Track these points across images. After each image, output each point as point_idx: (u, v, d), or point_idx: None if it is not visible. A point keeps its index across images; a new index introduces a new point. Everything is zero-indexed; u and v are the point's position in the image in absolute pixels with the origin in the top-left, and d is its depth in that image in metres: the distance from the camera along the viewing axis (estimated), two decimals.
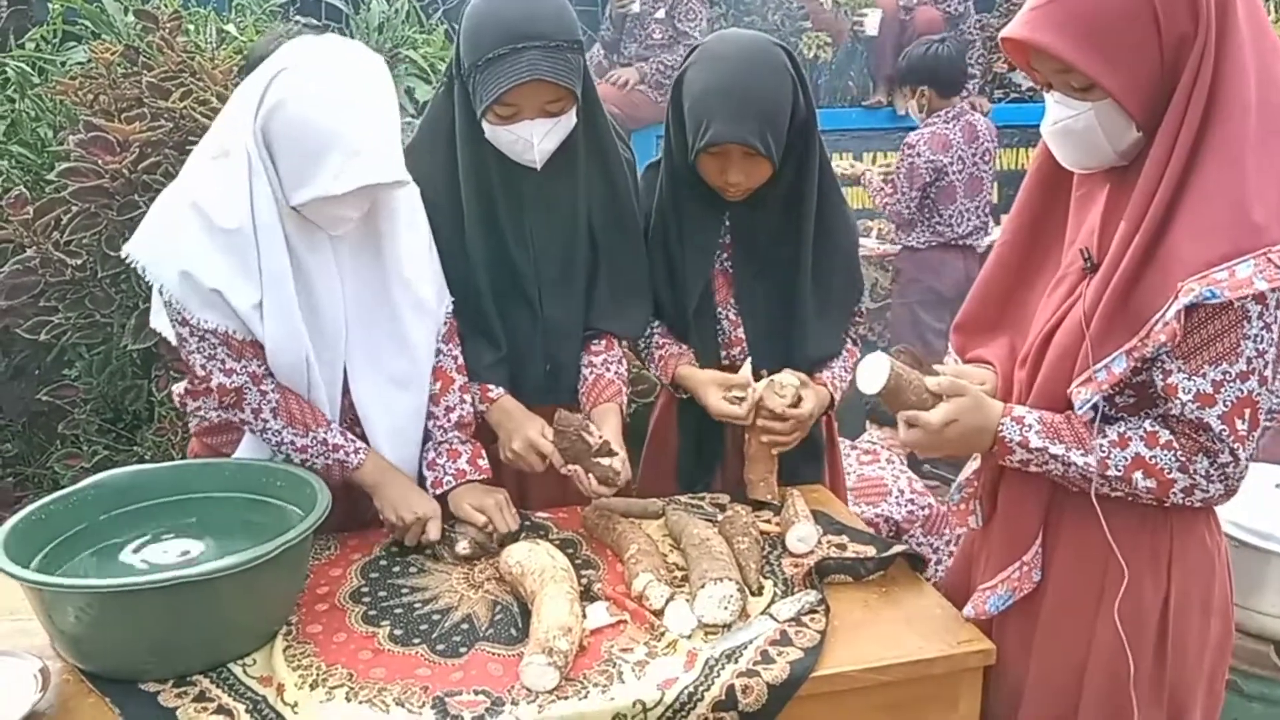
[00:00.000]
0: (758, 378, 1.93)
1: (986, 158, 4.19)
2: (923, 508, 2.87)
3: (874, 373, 1.51)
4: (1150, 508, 1.43)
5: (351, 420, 1.80)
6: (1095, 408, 1.40)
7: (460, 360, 1.90)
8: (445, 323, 1.88)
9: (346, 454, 1.74)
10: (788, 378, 1.90)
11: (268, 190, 1.62)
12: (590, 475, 1.79)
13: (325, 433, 1.73)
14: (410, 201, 1.80)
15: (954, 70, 4.19)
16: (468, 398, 1.89)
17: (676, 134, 1.92)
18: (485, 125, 1.81)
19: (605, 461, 1.79)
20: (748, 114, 1.79)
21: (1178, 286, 1.30)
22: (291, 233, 1.65)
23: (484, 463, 1.87)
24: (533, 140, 1.80)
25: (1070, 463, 1.42)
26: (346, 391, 1.78)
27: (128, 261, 1.66)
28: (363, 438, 1.79)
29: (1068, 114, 1.40)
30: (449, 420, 1.87)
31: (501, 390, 1.92)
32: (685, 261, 1.99)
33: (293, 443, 1.71)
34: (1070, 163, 1.47)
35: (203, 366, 1.68)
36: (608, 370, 1.97)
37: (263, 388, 1.70)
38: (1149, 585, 1.45)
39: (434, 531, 1.76)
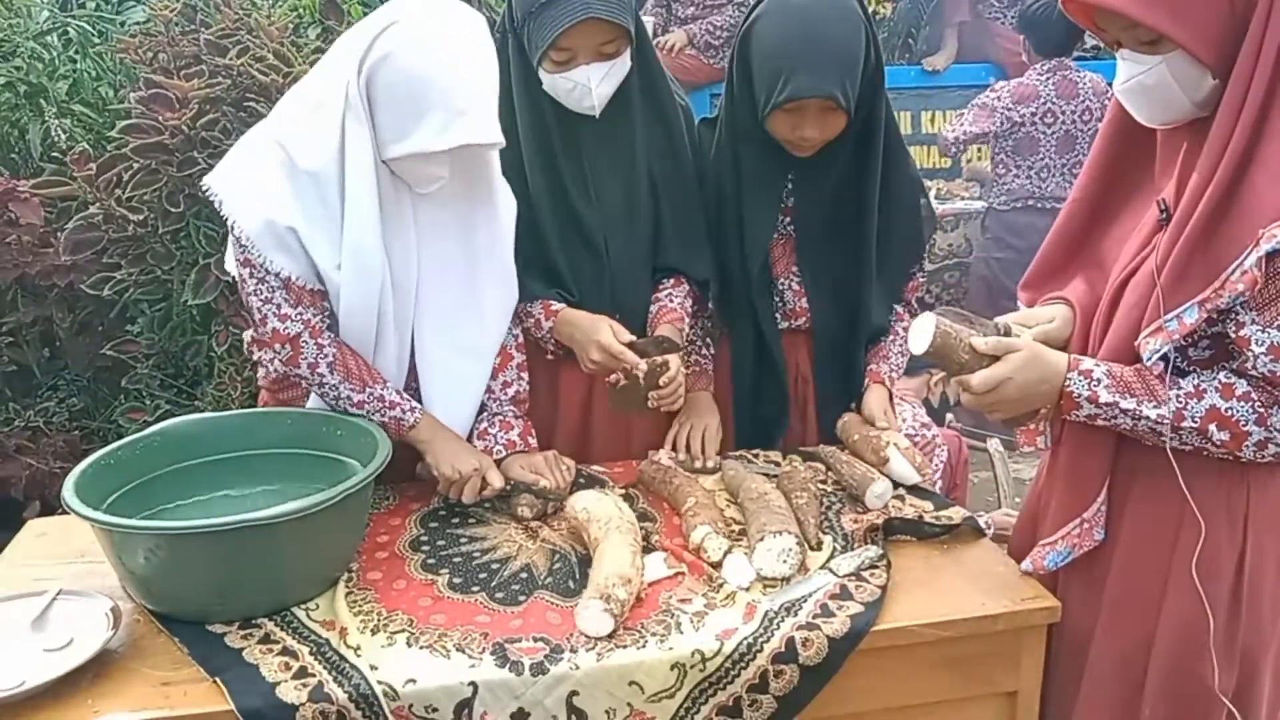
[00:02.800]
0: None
1: (1087, 116, 4.05)
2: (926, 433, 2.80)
3: (921, 333, 1.47)
4: (1226, 462, 1.39)
5: (411, 382, 1.80)
6: (1165, 359, 1.36)
7: (520, 338, 1.90)
8: None
9: (403, 411, 1.73)
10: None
11: (363, 139, 1.60)
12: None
13: (382, 389, 1.72)
14: (500, 177, 1.79)
15: (1048, 30, 4.03)
16: (525, 375, 1.89)
17: (742, 91, 1.87)
18: (542, 75, 1.80)
19: (663, 379, 1.80)
20: (829, 66, 1.74)
21: (1259, 233, 1.26)
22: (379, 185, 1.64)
23: (534, 440, 1.87)
24: (590, 85, 1.78)
25: (1142, 416, 1.38)
26: (412, 354, 1.78)
27: (205, 194, 1.65)
28: (417, 398, 1.78)
29: (1139, 70, 1.35)
30: (505, 394, 1.87)
31: (562, 305, 1.90)
32: (746, 222, 1.95)
33: (350, 398, 1.70)
34: (1148, 119, 1.41)
35: (259, 310, 1.66)
36: (671, 300, 1.97)
37: (320, 341, 1.68)
38: (1224, 542, 1.41)
39: (496, 479, 1.74)
